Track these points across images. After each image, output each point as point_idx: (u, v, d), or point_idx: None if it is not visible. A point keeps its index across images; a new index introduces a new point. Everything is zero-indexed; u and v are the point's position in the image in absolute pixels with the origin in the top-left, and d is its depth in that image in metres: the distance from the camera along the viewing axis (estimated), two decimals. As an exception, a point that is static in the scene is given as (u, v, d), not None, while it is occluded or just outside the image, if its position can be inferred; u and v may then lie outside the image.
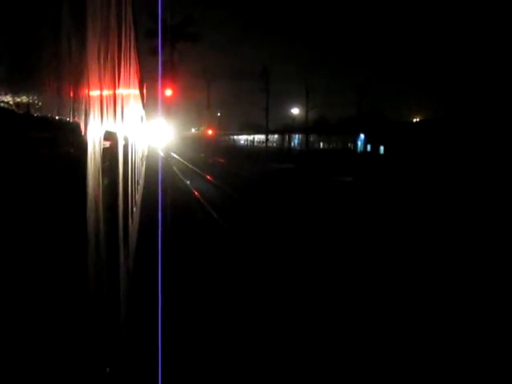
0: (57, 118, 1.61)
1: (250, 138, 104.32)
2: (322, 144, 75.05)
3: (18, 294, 1.34)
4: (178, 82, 55.10)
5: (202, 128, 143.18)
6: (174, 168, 47.96)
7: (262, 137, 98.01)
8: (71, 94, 1.89)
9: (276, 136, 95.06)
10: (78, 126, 1.98)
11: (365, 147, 60.56)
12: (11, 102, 1.15)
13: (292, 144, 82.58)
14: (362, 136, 60.96)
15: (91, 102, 2.36)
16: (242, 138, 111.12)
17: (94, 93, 2.51)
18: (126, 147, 5.47)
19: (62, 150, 1.83)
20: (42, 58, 1.50)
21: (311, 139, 78.78)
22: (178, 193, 27.46)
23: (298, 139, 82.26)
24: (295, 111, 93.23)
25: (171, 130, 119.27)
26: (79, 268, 2.09)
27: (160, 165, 39.00)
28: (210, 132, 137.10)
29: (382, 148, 55.07)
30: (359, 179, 40.14)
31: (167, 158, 65.77)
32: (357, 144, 62.80)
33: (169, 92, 57.95)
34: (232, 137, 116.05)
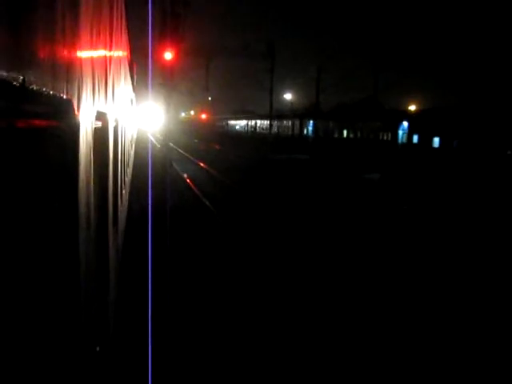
0: (51, 92, 1.64)
1: (251, 123, 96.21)
2: (345, 132, 62.43)
3: (8, 268, 1.38)
4: (181, 42, 39.04)
5: (193, 112, 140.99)
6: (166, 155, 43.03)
7: (264, 122, 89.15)
8: (65, 71, 1.92)
9: (276, 122, 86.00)
10: (71, 103, 2.02)
11: (408, 138, 48.77)
12: (6, 75, 1.19)
13: (305, 131, 71.91)
14: (406, 124, 48.92)
15: (84, 81, 2.40)
16: (241, 124, 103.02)
17: (87, 72, 2.56)
18: (116, 129, 5.50)
19: (56, 126, 1.87)
20: (37, 34, 1.54)
21: (330, 126, 67.45)
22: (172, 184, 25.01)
23: (312, 126, 71.28)
24: (288, 96, 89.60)
25: (162, 114, 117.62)
26: (69, 247, 2.14)
27: (150, 151, 36.93)
28: (203, 116, 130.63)
29: (436, 140, 43.41)
30: (400, 177, 32.17)
31: (158, 145, 62.05)
32: (396, 134, 50.44)
33: (169, 55, 38.08)
34: (229, 122, 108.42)
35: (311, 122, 68.29)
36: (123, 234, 8.85)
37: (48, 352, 1.86)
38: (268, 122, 74.14)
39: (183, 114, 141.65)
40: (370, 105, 63.30)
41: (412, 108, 56.99)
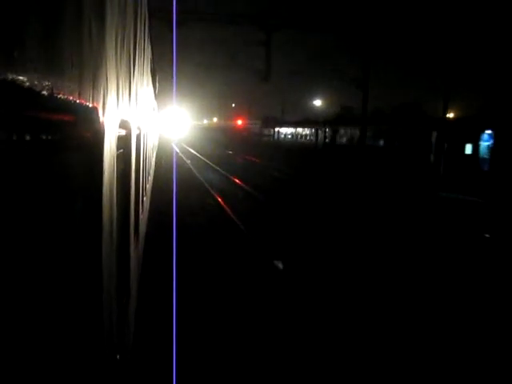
0: (78, 101, 1.68)
1: (305, 131, 77.24)
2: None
3: (31, 273, 1.41)
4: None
5: (216, 119, 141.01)
6: (198, 176, 37.04)
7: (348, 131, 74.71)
8: (91, 80, 1.98)
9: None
10: (97, 111, 2.07)
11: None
12: (36, 83, 1.23)
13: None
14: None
15: (108, 89, 2.49)
16: (299, 132, 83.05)
17: (111, 81, 2.64)
18: (138, 137, 5.58)
19: (82, 134, 1.92)
20: (65, 42, 1.60)
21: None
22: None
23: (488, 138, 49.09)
24: (317, 103, 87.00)
25: (185, 121, 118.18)
26: (92, 255, 2.22)
27: (175, 169, 32.69)
28: (239, 123, 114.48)
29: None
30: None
31: (184, 157, 56.26)
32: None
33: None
34: (280, 130, 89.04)
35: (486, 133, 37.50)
36: (143, 242, 8.94)
37: (68, 360, 1.90)
38: (350, 129, 60.90)
39: (205, 121, 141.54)
40: (411, 111, 56.63)
41: (451, 116, 51.79)
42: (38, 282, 1.58)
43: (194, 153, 64.81)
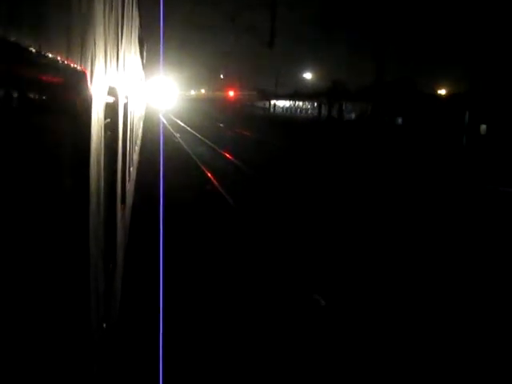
0: (66, 62, 1.67)
1: (306, 105, 73.36)
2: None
3: (20, 241, 1.42)
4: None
5: (203, 90, 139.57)
6: (188, 151, 34.00)
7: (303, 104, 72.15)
8: (79, 43, 1.96)
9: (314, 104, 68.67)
10: (85, 75, 2.05)
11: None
12: (24, 40, 1.22)
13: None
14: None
15: (96, 54, 2.47)
16: (300, 106, 78.34)
17: (99, 46, 2.62)
18: (126, 105, 5.53)
19: (69, 97, 1.91)
20: (53, 1, 1.57)
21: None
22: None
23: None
24: (308, 76, 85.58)
25: (173, 91, 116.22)
26: (79, 223, 2.22)
27: (162, 145, 29.47)
28: (231, 94, 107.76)
29: None
30: None
31: (172, 129, 52.76)
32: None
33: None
34: (276, 102, 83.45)
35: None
36: (130, 211, 8.96)
37: (55, 328, 1.92)
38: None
39: (193, 92, 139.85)
40: (405, 86, 56.27)
41: (442, 92, 51.46)
42: (24, 249, 1.58)
43: (183, 125, 61.12)
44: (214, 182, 21.80)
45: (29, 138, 1.59)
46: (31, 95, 1.45)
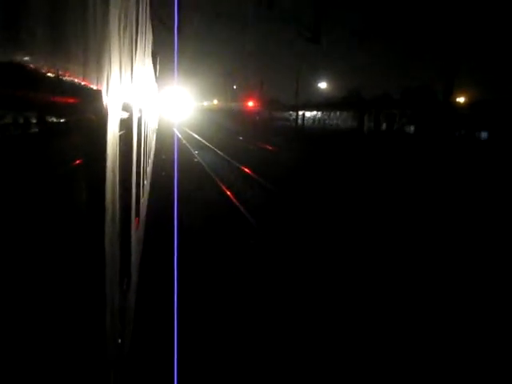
0: (83, 84, 1.71)
1: (343, 115, 61.78)
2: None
3: (38, 247, 1.46)
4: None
5: (216, 101, 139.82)
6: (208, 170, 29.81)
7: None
8: (95, 62, 2.01)
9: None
10: (101, 94, 2.09)
11: None
12: (43, 66, 1.26)
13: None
14: None
15: (112, 72, 2.48)
16: (317, 115, 67.46)
17: (114, 64, 2.67)
18: (139, 119, 5.60)
19: (85, 117, 1.96)
20: (69, 25, 1.62)
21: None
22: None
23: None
24: (322, 85, 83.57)
25: (186, 102, 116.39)
26: (94, 237, 2.24)
27: (176, 158, 26.93)
28: (250, 104, 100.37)
29: None
30: None
31: (188, 144, 48.70)
32: None
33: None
34: (305, 113, 72.11)
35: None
36: (144, 225, 9.04)
37: (71, 343, 1.95)
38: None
39: (205, 103, 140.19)
40: (421, 94, 53.27)
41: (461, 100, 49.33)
42: (40, 263, 1.62)
43: (201, 140, 57.22)
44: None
45: (47, 157, 1.63)
46: (49, 117, 1.49)
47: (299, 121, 73.15)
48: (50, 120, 1.56)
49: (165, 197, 17.73)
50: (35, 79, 1.35)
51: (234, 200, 19.99)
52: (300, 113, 73.75)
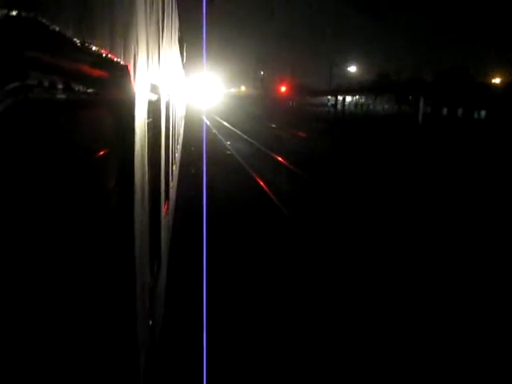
0: (109, 56, 1.66)
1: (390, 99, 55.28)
2: None
3: (67, 232, 1.43)
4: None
5: (243, 88, 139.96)
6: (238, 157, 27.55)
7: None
8: (122, 37, 1.97)
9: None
10: (128, 70, 2.05)
11: None
12: (69, 33, 1.21)
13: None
14: None
15: (139, 50, 2.45)
16: (361, 101, 60.64)
17: (141, 42, 2.63)
18: (167, 103, 5.59)
19: (112, 92, 1.92)
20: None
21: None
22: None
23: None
24: (352, 69, 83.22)
25: (215, 89, 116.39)
26: (125, 221, 2.22)
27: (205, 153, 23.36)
28: (282, 89, 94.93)
29: None
30: None
31: (219, 134, 45.25)
32: None
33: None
34: (335, 98, 66.39)
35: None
36: (173, 212, 9.11)
37: (103, 325, 1.95)
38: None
39: (232, 90, 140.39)
40: (459, 76, 48.75)
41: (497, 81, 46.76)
42: (72, 248, 1.60)
43: (232, 128, 54.13)
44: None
45: (75, 131, 1.60)
46: (75, 87, 1.45)
47: (339, 106, 66.57)
48: (75, 90, 1.52)
49: (193, 212, 14.43)
50: (60, 45, 1.32)
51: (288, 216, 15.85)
52: (339, 98, 67.24)
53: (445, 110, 45.41)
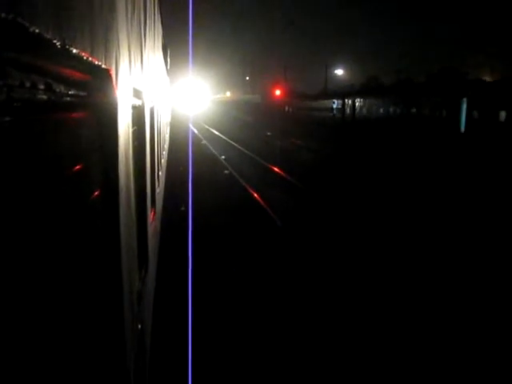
0: (90, 59, 1.67)
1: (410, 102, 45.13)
2: None
3: (56, 235, 1.44)
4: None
5: (229, 93, 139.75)
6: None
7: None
8: (103, 41, 1.98)
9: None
10: (110, 73, 2.05)
11: None
12: (48, 34, 1.21)
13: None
14: None
15: (121, 53, 2.45)
16: (375, 104, 51.23)
17: (123, 45, 2.63)
18: (152, 109, 5.59)
19: (94, 95, 1.90)
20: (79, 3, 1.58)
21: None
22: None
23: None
24: (339, 72, 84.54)
25: (200, 95, 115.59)
26: (111, 226, 2.21)
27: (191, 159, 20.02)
28: (277, 93, 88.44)
29: None
30: None
31: (211, 147, 38.61)
32: None
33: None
34: (343, 101, 58.34)
35: None
36: (160, 216, 9.09)
37: (92, 329, 1.95)
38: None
39: (218, 96, 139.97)
40: (450, 76, 47.71)
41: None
42: (58, 254, 1.60)
43: (223, 137, 49.20)
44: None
45: (60, 133, 1.60)
46: (56, 88, 1.45)
47: (348, 110, 57.39)
48: (57, 92, 1.52)
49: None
50: (41, 47, 1.32)
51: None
52: (347, 101, 57.51)
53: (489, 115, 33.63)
